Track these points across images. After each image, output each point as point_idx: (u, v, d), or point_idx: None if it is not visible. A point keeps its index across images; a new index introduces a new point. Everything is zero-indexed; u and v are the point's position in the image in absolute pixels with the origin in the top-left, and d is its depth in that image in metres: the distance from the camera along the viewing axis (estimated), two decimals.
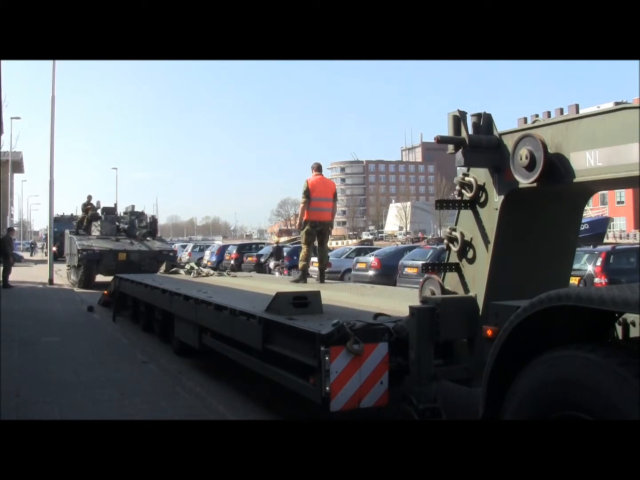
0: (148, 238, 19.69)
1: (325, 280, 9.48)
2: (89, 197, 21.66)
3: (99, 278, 18.11)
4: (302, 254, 9.36)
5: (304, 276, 9.19)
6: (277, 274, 12.12)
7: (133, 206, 21.93)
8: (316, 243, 9.51)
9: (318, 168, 9.37)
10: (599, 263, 11.73)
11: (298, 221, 9.43)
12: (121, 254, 17.98)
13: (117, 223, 20.41)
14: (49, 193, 21.78)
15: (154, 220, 21.26)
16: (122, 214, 21.68)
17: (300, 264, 9.34)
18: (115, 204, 23.21)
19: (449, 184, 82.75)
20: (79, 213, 24.25)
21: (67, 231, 21.46)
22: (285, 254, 22.90)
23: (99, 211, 21.09)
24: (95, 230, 20.05)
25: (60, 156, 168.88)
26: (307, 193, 8.99)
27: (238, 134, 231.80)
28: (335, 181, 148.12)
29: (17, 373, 6.73)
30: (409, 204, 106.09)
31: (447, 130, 4.29)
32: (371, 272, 17.91)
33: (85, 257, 17.65)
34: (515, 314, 2.88)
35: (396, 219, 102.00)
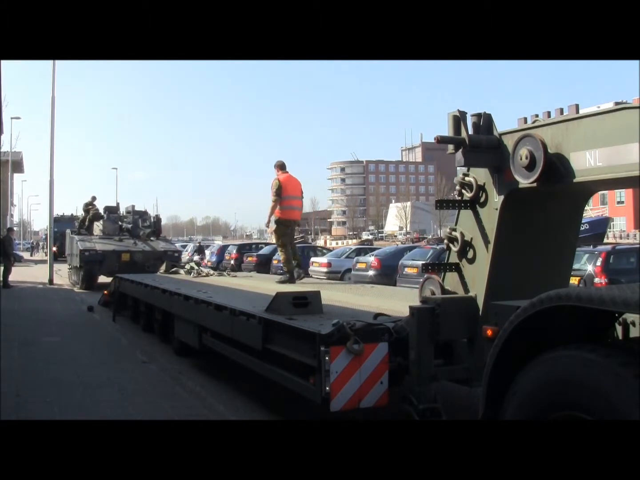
0: (152, 238, 19.19)
1: (325, 280, 9.47)
2: (93, 198, 21.01)
3: (101, 279, 17.84)
4: (283, 257, 9.05)
5: (292, 277, 8.94)
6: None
7: (133, 206, 21.37)
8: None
9: (282, 166, 9.14)
10: (599, 263, 11.72)
11: (267, 219, 9.11)
12: (124, 255, 17.51)
13: (119, 223, 19.85)
14: (49, 193, 21.74)
15: (157, 220, 20.69)
16: (124, 214, 21.05)
17: (286, 267, 9.06)
18: (118, 203, 22.69)
19: (449, 184, 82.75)
20: (79, 213, 24.11)
21: (68, 231, 21.04)
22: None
23: (101, 210, 20.57)
24: (98, 230, 19.60)
25: (60, 156, 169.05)
26: (279, 191, 8.78)
27: (238, 133, 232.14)
28: (335, 181, 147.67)
29: (17, 373, 6.73)
30: (409, 204, 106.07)
31: (447, 130, 4.29)
32: (371, 272, 17.91)
33: (87, 257, 17.19)
34: (515, 314, 2.88)
35: (396, 219, 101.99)
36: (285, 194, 8.88)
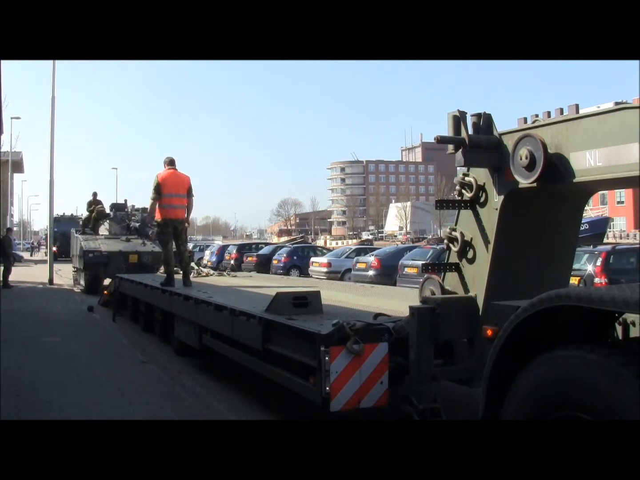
0: None
1: (325, 280, 9.45)
2: (94, 194, 19.30)
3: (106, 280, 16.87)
4: (163, 257, 8.89)
5: (170, 280, 8.61)
6: None
7: (133, 206, 20.57)
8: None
9: (170, 162, 8.68)
10: (599, 263, 11.72)
11: (148, 217, 8.90)
12: (132, 256, 16.04)
13: (127, 221, 18.47)
14: (49, 193, 21.70)
15: None
16: (132, 211, 19.45)
17: (164, 268, 8.84)
18: (125, 200, 21.05)
19: (449, 184, 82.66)
20: (80, 213, 23.91)
21: (72, 230, 19.76)
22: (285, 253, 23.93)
23: (107, 209, 19.36)
24: (104, 229, 18.45)
25: (60, 156, 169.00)
26: (158, 189, 8.35)
27: (238, 133, 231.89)
28: (335, 181, 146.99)
29: (17, 373, 6.73)
30: (409, 204, 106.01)
31: (447, 130, 4.29)
32: (371, 272, 17.92)
33: (92, 259, 15.82)
34: (515, 314, 2.88)
35: (396, 219, 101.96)
36: (165, 191, 8.41)
